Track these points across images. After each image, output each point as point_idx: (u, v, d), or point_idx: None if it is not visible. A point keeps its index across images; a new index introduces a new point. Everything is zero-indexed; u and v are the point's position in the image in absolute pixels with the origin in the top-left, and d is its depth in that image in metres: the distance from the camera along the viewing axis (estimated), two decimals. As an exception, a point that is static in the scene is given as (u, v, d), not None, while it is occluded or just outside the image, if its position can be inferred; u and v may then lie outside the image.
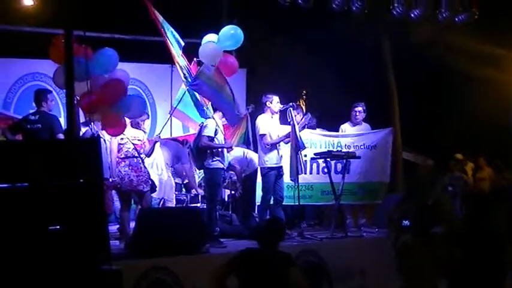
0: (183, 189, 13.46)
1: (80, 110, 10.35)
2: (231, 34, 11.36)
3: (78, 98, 9.92)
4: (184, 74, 11.57)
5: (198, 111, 11.76)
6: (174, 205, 12.51)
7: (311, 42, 15.61)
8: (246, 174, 12.61)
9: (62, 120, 11.31)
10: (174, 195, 12.71)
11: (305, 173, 12.36)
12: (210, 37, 11.46)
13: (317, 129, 13.04)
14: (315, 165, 12.70)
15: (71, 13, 8.16)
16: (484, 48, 15.04)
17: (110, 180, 10.76)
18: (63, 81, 9.30)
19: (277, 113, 11.75)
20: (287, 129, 11.66)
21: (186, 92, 11.58)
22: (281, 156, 11.68)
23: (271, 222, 7.98)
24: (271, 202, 11.65)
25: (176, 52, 11.59)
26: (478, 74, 15.40)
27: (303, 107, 13.53)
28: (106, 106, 10.16)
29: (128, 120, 10.74)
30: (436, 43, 15.05)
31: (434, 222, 7.95)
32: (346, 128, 13.23)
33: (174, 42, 11.60)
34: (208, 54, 11.17)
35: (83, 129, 11.70)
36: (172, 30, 11.65)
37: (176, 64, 11.69)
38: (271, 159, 11.61)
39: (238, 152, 12.57)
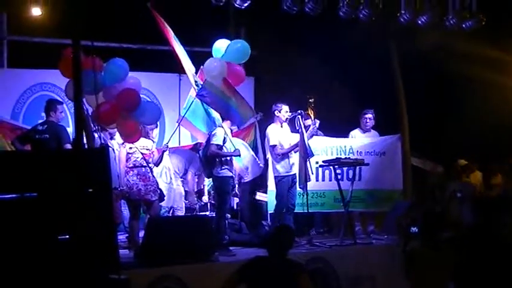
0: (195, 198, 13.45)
1: (96, 122, 10.42)
2: (236, 48, 11.40)
3: (91, 109, 10.00)
4: (196, 81, 11.57)
5: (210, 120, 11.76)
6: (183, 213, 12.50)
7: (319, 50, 15.58)
8: (245, 181, 12.60)
9: (71, 130, 11.32)
10: (184, 203, 12.70)
11: (317, 180, 12.41)
12: (220, 44, 11.51)
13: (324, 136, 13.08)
14: (327, 172, 12.71)
15: (79, 23, 8.19)
16: (491, 54, 15.00)
17: (119, 189, 10.79)
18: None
19: (286, 121, 11.77)
20: (297, 137, 11.67)
21: (195, 101, 11.58)
22: (293, 164, 11.70)
23: (280, 230, 7.97)
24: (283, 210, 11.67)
25: (186, 59, 11.59)
26: (487, 80, 15.36)
27: (312, 115, 13.51)
28: (122, 115, 10.20)
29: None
30: (444, 49, 15.02)
31: (442, 228, 7.95)
32: (355, 134, 13.27)
33: (185, 55, 11.61)
34: (214, 73, 11.23)
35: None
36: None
37: (187, 71, 11.66)
38: (283, 167, 11.67)
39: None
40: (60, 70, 10.36)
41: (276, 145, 11.68)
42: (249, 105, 11.71)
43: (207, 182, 13.04)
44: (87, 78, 8.95)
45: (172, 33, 11.56)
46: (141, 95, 13.18)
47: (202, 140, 11.97)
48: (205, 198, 13.00)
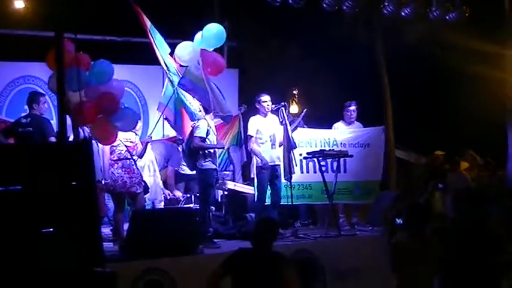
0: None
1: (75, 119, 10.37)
2: (213, 33, 11.32)
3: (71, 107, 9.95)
4: (170, 78, 11.49)
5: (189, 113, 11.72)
6: (163, 206, 12.48)
7: (303, 42, 15.60)
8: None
9: (54, 123, 11.28)
10: (163, 196, 12.69)
11: (301, 172, 12.41)
12: (199, 35, 11.47)
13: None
14: (311, 164, 12.70)
15: (62, 16, 8.15)
16: (477, 46, 15.02)
17: (103, 182, 10.77)
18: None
19: (267, 113, 11.73)
20: (281, 129, 11.68)
21: (176, 91, 11.49)
22: (277, 156, 11.70)
23: (263, 222, 7.98)
24: (269, 203, 11.66)
25: (163, 56, 11.53)
26: (472, 72, 15.39)
27: (297, 106, 13.53)
28: (100, 117, 10.15)
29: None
30: (429, 42, 15.05)
31: (427, 220, 7.97)
32: (339, 126, 13.28)
33: (162, 46, 11.54)
34: (185, 57, 11.17)
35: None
36: (160, 36, 11.61)
37: (163, 64, 11.62)
38: (262, 158, 11.62)
39: None
40: (47, 63, 10.28)
41: (252, 136, 11.68)
42: (223, 101, 11.54)
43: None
44: (72, 75, 8.95)
45: (149, 25, 11.49)
46: (126, 88, 13.21)
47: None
48: (178, 193, 13.01)
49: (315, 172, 12.62)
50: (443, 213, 12.12)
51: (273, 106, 11.69)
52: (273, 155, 11.73)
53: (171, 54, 11.45)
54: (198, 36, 11.35)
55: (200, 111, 11.21)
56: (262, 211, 11.52)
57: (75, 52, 9.58)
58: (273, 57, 15.80)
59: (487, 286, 7.60)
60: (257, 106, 11.78)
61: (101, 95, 10.18)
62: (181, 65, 11.44)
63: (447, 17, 13.83)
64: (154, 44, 11.40)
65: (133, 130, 11.15)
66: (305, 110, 12.64)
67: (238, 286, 7.33)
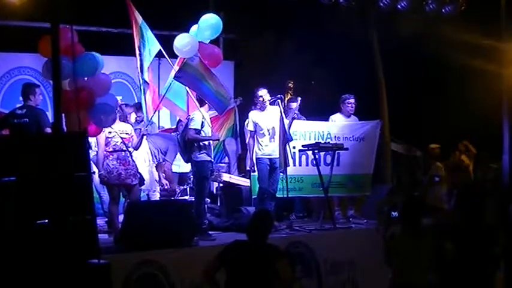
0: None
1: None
2: (209, 23, 11.29)
3: None
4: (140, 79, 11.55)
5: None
6: (158, 197, 12.47)
7: (299, 35, 15.59)
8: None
9: (49, 114, 11.25)
10: (159, 187, 12.69)
11: (294, 165, 12.37)
12: (195, 27, 11.45)
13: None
14: (304, 157, 12.67)
15: (58, 7, 8.13)
16: (472, 39, 15.04)
17: (97, 173, 10.75)
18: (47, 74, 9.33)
19: (266, 106, 11.71)
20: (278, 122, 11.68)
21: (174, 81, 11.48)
22: (273, 148, 11.69)
23: (258, 215, 8.00)
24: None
25: (150, 51, 11.53)
26: (468, 65, 15.41)
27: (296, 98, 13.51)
28: (78, 108, 10.01)
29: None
30: (425, 35, 15.06)
31: (422, 213, 7.98)
32: (336, 118, 13.21)
33: (152, 42, 11.53)
34: (185, 48, 11.12)
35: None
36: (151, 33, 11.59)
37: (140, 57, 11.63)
38: (260, 150, 11.62)
39: None
40: (40, 50, 10.19)
41: (250, 130, 11.69)
42: (226, 90, 11.59)
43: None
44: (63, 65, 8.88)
45: (141, 21, 11.49)
46: (120, 79, 13.18)
47: (182, 118, 11.95)
48: (173, 185, 13.01)
49: (307, 165, 12.62)
50: (438, 206, 12.17)
51: (269, 98, 11.67)
52: (271, 147, 11.71)
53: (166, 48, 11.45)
54: (194, 27, 11.33)
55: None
56: (261, 202, 11.49)
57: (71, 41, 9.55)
58: (269, 49, 15.80)
59: (482, 278, 7.62)
60: (255, 100, 11.76)
61: (79, 88, 10.02)
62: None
63: (443, 10, 13.83)
64: (137, 39, 11.40)
65: (129, 122, 11.14)
66: (299, 99, 12.59)
67: (232, 278, 7.34)
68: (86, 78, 10.04)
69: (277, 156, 11.66)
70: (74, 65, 9.87)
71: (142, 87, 11.62)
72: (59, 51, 7.58)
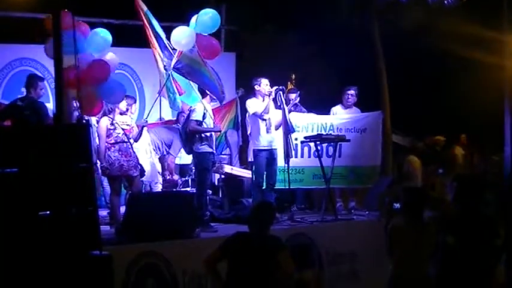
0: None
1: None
2: (208, 17, 11.25)
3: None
4: (164, 65, 11.49)
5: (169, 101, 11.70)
6: (160, 189, 12.48)
7: (300, 26, 15.59)
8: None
9: (51, 106, 11.24)
10: (161, 178, 12.69)
11: (296, 157, 12.38)
12: (193, 21, 11.42)
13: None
14: (306, 148, 12.67)
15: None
16: (474, 31, 15.03)
17: (99, 165, 10.76)
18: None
19: (266, 95, 11.67)
20: (278, 113, 11.64)
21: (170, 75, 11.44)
22: (272, 139, 11.67)
23: (260, 206, 7.99)
24: (264, 186, 11.64)
25: (157, 43, 11.50)
26: (470, 57, 15.41)
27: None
28: (88, 86, 10.05)
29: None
30: (427, 27, 15.05)
31: (424, 205, 7.98)
32: (337, 110, 13.23)
33: (159, 29, 11.52)
34: (183, 41, 11.08)
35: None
36: (155, 21, 11.57)
37: (156, 54, 11.60)
38: (260, 141, 11.60)
39: None
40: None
41: (256, 111, 11.60)
42: (221, 84, 11.51)
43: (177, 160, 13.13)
44: (68, 38, 8.89)
45: (145, 9, 11.47)
46: (121, 71, 13.15)
47: (185, 109, 11.92)
48: (175, 176, 13.01)
49: (309, 157, 12.62)
50: (442, 198, 12.15)
51: (270, 89, 11.64)
52: (269, 138, 11.68)
53: (168, 39, 11.40)
54: (192, 20, 11.31)
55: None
56: (259, 194, 11.48)
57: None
58: (270, 41, 15.80)
59: (483, 270, 7.62)
60: (257, 88, 11.69)
61: (92, 63, 10.08)
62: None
63: (445, 2, 13.80)
64: (148, 27, 11.38)
65: (128, 113, 11.14)
66: (299, 92, 12.59)
67: (234, 269, 7.35)
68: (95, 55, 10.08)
69: (275, 147, 11.65)
70: (86, 41, 9.94)
71: (170, 75, 11.44)
72: (61, 42, 7.57)
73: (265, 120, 11.57)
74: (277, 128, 11.69)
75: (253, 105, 11.61)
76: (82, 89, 9.83)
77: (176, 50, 11.29)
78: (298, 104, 12.71)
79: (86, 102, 10.19)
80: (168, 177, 12.73)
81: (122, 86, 10.66)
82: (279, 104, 11.58)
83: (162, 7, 11.72)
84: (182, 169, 13.37)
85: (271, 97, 11.53)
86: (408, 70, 16.42)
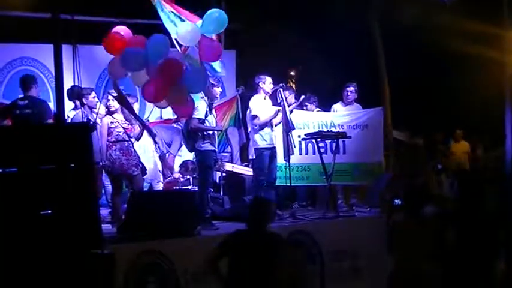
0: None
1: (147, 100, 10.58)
2: (215, 18, 11.19)
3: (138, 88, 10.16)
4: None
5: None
6: (161, 187, 12.49)
7: (300, 23, 15.59)
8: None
9: (52, 105, 11.26)
10: (162, 177, 12.70)
11: (300, 154, 12.41)
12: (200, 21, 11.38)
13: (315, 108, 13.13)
14: (310, 145, 12.68)
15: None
16: (475, 27, 15.02)
17: (101, 164, 10.77)
18: (119, 72, 9.75)
19: (269, 94, 11.72)
20: (276, 110, 11.65)
21: None
22: (273, 137, 11.69)
23: (257, 203, 7.95)
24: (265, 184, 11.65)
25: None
26: (470, 53, 15.40)
27: (294, 88, 13.50)
28: (168, 88, 10.07)
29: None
30: (427, 23, 15.04)
31: (424, 201, 7.98)
32: (337, 108, 13.24)
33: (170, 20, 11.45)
34: (187, 37, 11.02)
35: (73, 112, 11.69)
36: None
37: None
38: (263, 140, 11.61)
39: None
40: (105, 47, 10.30)
41: (257, 116, 11.63)
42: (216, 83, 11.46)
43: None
44: (130, 56, 9.01)
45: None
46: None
47: None
48: (176, 175, 13.01)
49: (314, 154, 12.59)
50: (441, 194, 12.16)
51: (272, 87, 11.66)
52: (271, 136, 11.70)
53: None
54: (199, 21, 11.28)
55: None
56: (260, 192, 11.48)
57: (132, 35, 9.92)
58: (270, 38, 15.78)
59: (484, 266, 7.64)
60: (260, 86, 11.69)
61: (161, 66, 10.06)
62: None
63: (445, -2, 13.82)
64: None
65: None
66: (302, 96, 12.62)
67: (234, 267, 7.35)
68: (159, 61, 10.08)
69: (275, 144, 11.67)
70: (146, 52, 9.98)
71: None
72: (60, 41, 7.58)
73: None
74: (276, 125, 11.71)
75: (255, 106, 11.65)
76: (168, 93, 9.92)
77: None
78: (313, 97, 12.79)
79: (178, 103, 10.29)
80: (169, 178, 12.74)
81: (199, 71, 10.53)
82: (279, 101, 11.58)
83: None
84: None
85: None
86: (408, 66, 16.40)
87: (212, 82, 11.09)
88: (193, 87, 10.30)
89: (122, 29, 10.25)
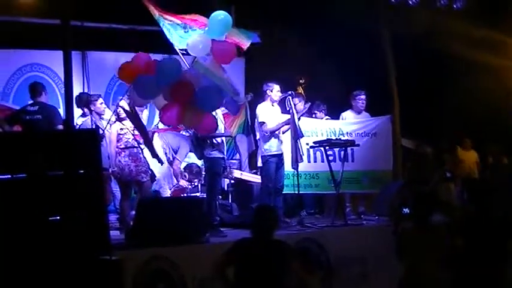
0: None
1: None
2: (220, 20, 11.14)
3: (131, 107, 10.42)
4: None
5: None
6: (169, 194, 12.48)
7: (309, 31, 15.56)
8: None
9: (61, 111, 11.29)
10: (170, 184, 12.69)
11: (309, 162, 12.42)
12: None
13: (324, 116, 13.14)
14: (318, 153, 12.69)
15: (68, 3, 8.16)
16: (483, 34, 15.02)
17: (110, 170, 10.78)
18: (139, 100, 10.14)
19: (277, 101, 11.73)
20: (287, 117, 11.65)
21: None
22: (281, 142, 11.68)
23: (260, 211, 7.86)
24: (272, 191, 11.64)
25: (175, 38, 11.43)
26: (479, 61, 15.38)
27: (303, 95, 13.48)
28: (182, 111, 10.11)
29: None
30: (436, 30, 15.02)
31: (433, 209, 7.97)
32: (347, 115, 13.26)
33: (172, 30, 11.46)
34: (198, 47, 10.99)
35: (82, 119, 11.71)
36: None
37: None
38: (271, 147, 11.62)
39: None
40: (120, 77, 10.51)
41: (264, 122, 11.62)
42: (234, 88, 11.43)
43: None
44: (141, 84, 9.04)
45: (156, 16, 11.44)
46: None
47: None
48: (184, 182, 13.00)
49: (322, 161, 12.59)
50: (450, 202, 12.13)
51: (280, 95, 11.67)
52: (278, 144, 11.70)
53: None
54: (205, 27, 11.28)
55: None
56: (268, 199, 11.47)
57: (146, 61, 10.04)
58: (279, 45, 15.77)
59: (493, 274, 7.62)
60: (268, 94, 11.69)
61: (170, 90, 10.10)
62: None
63: (454, 6, 13.82)
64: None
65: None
66: (309, 104, 12.64)
67: (241, 274, 7.33)
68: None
69: (282, 152, 11.66)
70: (156, 77, 10.02)
71: None
72: (69, 47, 7.60)
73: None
74: (284, 132, 11.72)
75: (263, 113, 11.65)
76: (184, 117, 9.94)
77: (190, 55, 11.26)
78: (322, 105, 12.80)
79: (195, 123, 10.44)
80: (177, 185, 12.73)
81: (214, 89, 10.53)
82: (288, 108, 11.58)
83: (168, 9, 11.65)
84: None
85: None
86: (418, 74, 16.37)
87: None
88: (206, 106, 10.32)
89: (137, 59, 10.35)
